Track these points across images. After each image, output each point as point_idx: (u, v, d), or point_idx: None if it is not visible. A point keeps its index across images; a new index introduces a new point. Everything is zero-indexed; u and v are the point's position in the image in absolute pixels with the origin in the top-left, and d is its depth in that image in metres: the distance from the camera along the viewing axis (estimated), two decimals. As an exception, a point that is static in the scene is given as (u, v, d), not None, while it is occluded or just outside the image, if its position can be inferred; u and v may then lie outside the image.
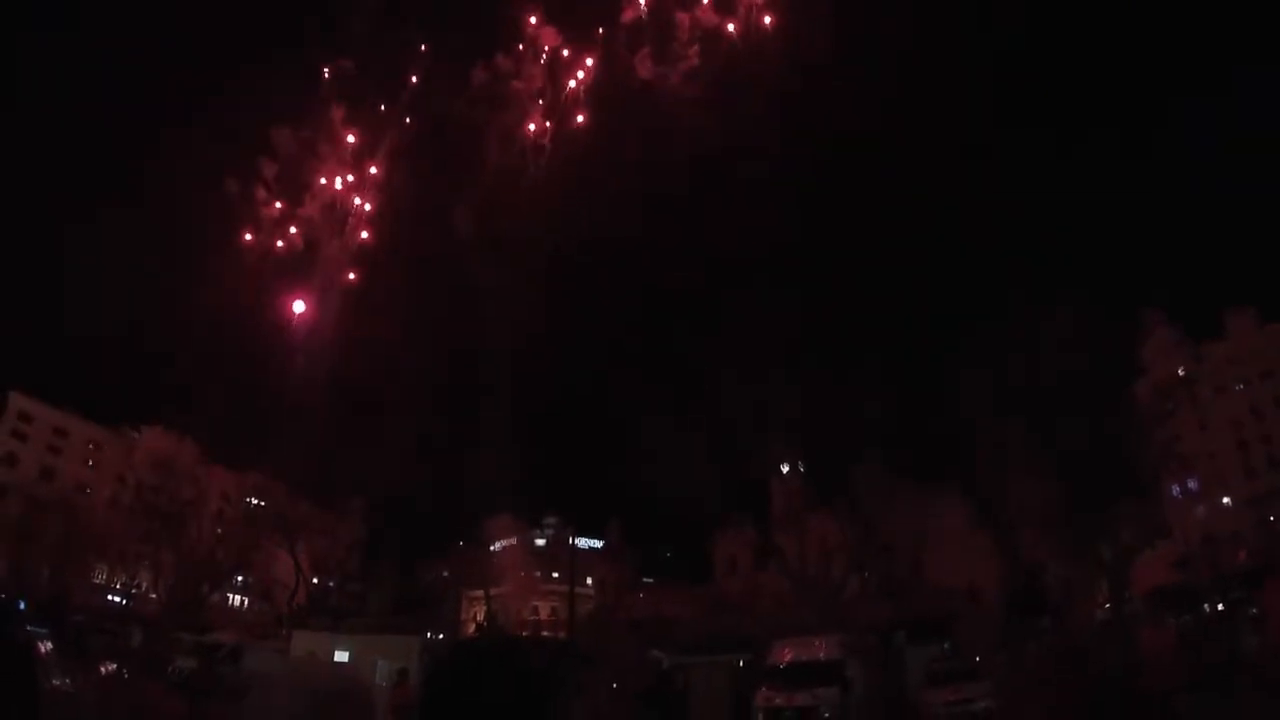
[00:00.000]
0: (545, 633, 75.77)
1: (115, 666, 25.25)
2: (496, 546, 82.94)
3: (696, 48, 55.00)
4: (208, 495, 64.19)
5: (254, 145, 58.52)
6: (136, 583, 67.44)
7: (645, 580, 77.84)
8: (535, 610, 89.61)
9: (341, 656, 31.99)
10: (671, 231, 70.31)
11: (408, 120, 59.24)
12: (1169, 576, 44.32)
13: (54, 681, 12.50)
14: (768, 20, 54.91)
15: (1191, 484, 50.82)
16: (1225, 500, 59.76)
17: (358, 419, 63.35)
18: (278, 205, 58.94)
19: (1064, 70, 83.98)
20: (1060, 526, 39.46)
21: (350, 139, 58.68)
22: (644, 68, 55.15)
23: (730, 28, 54.96)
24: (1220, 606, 36.88)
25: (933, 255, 75.07)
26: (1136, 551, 40.29)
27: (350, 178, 59.80)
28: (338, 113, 58.31)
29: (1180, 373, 50.90)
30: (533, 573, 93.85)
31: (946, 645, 35.05)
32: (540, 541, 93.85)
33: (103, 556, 68.38)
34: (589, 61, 56.85)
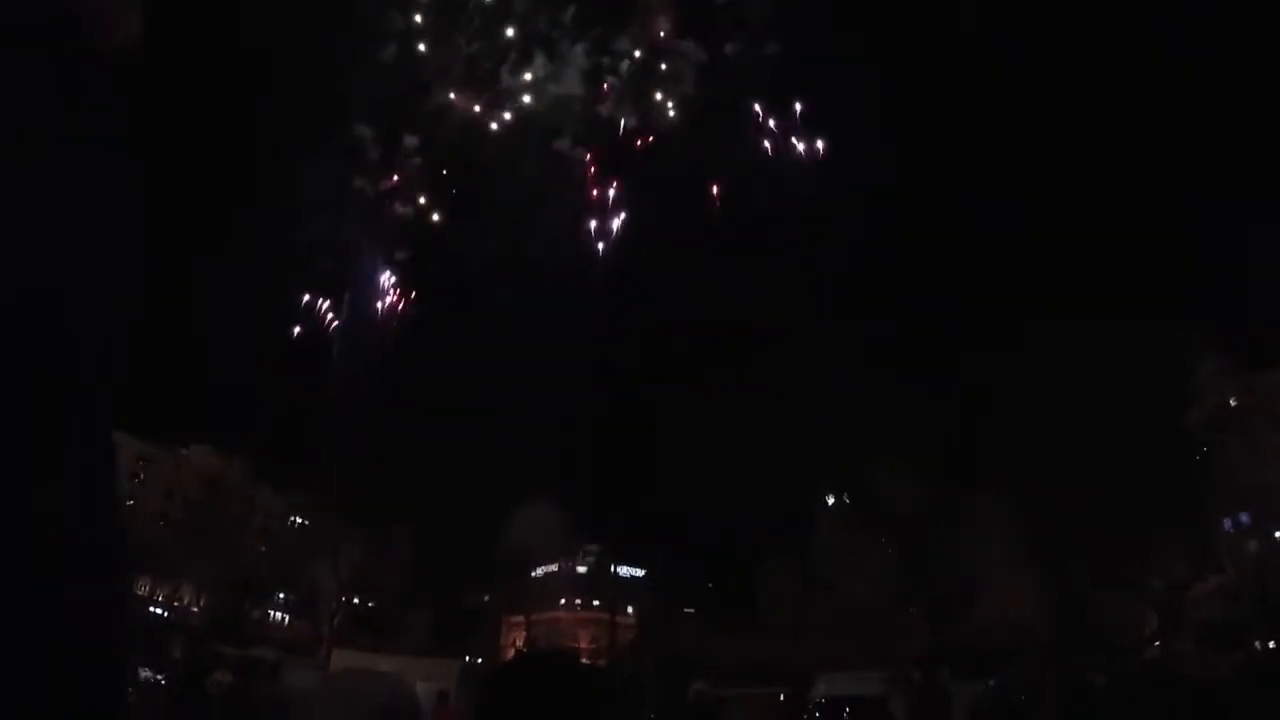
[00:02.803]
0: (585, 660, 75.37)
1: (152, 674, 25.34)
2: (539, 572, 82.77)
3: None
4: (254, 512, 64.70)
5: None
6: (179, 595, 67.95)
7: (687, 610, 77.29)
8: (576, 638, 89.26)
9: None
10: (714, 255, 70.11)
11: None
12: (1220, 611, 43.30)
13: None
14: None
15: (1243, 517, 49.57)
16: (1278, 534, 58.28)
17: (403, 441, 63.65)
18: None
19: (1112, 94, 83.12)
20: (1110, 559, 38.82)
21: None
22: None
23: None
24: (1271, 644, 35.95)
25: (980, 282, 74.30)
26: (1187, 586, 39.55)
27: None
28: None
29: (1232, 403, 49.77)
30: (574, 600, 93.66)
31: (993, 682, 34.34)
32: (582, 569, 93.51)
33: (147, 568, 69.01)
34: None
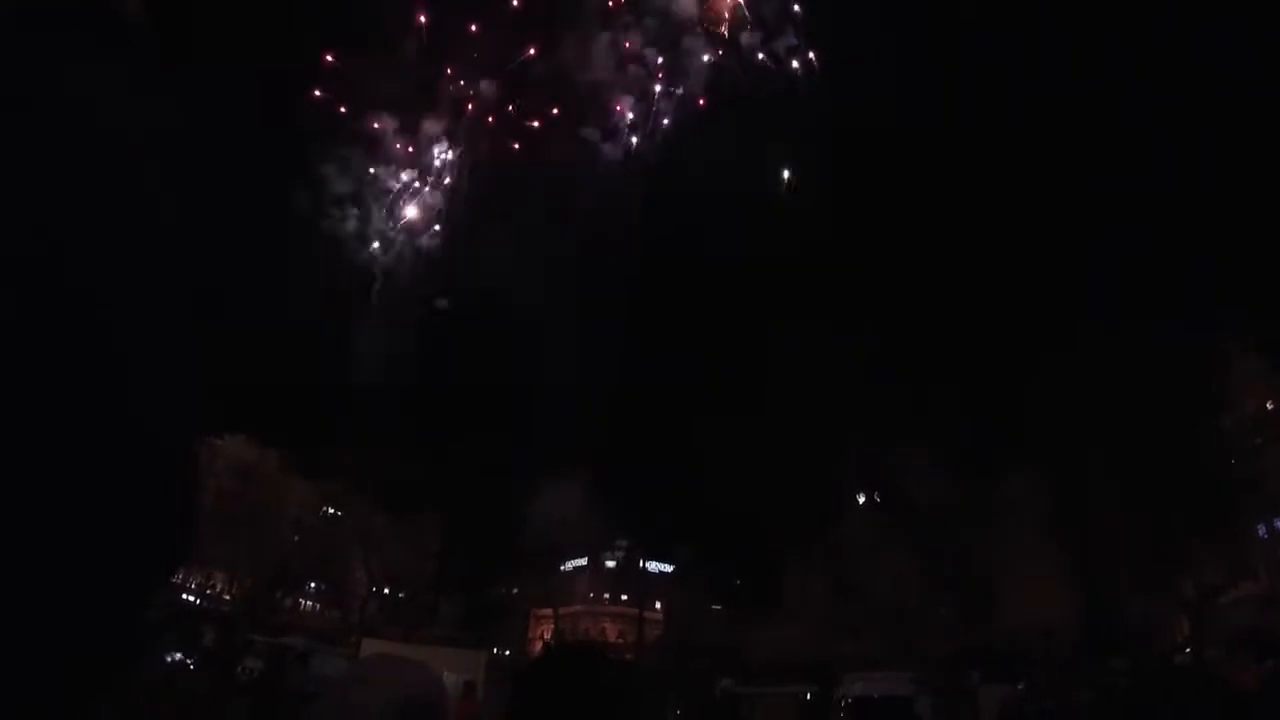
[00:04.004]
0: (612, 655, 75.38)
1: (181, 657, 25.65)
2: (567, 566, 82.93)
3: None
4: (286, 503, 65.17)
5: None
6: (212, 583, 68.49)
7: (714, 607, 77.35)
8: (603, 632, 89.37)
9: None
10: (744, 252, 70.02)
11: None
12: (1252, 619, 42.81)
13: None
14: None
15: (1278, 523, 48.71)
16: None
17: (434, 433, 64.06)
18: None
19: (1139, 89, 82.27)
20: (1141, 563, 38.45)
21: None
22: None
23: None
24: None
25: (1013, 278, 73.74)
26: (1219, 591, 39.11)
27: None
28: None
29: (1268, 406, 49.04)
30: (602, 594, 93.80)
31: (1021, 685, 34.21)
32: (611, 564, 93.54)
33: (180, 556, 69.39)
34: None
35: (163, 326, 0.85)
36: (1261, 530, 47.28)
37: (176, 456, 0.85)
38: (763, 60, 54.46)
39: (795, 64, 54.70)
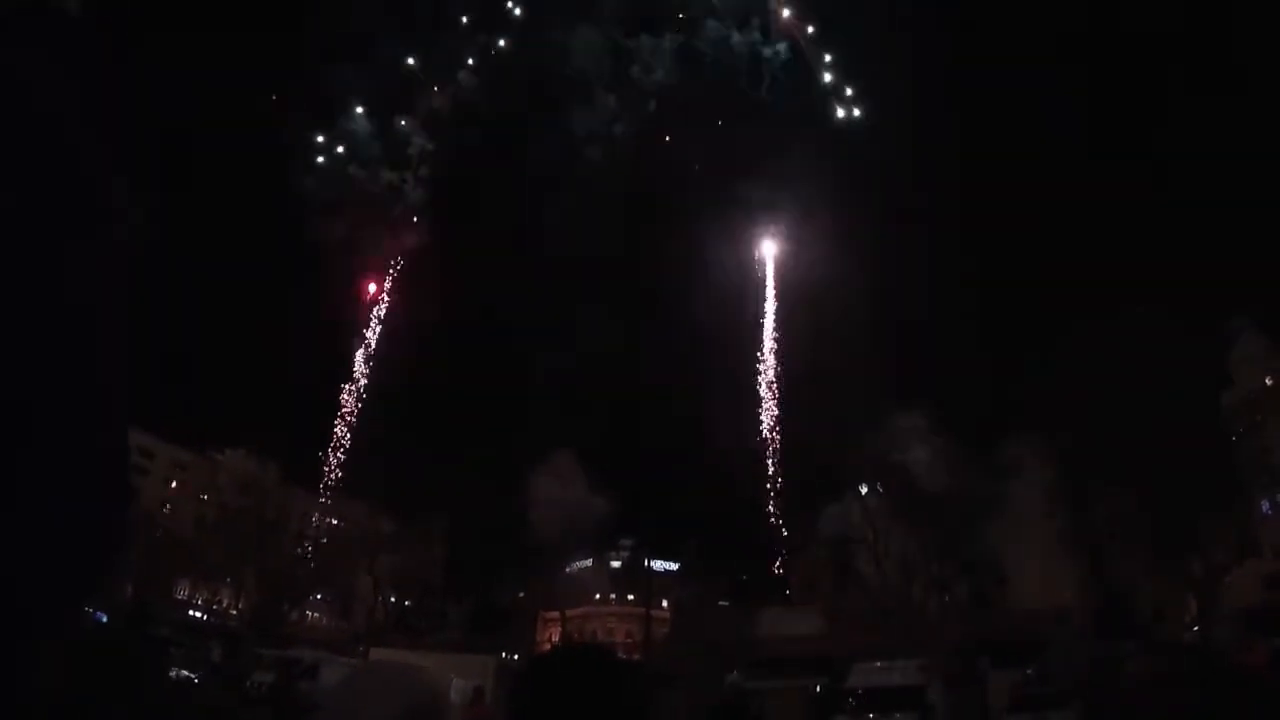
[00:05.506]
0: (620, 654, 75.26)
1: (188, 674, 25.57)
2: (573, 568, 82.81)
3: None
4: (289, 515, 65.09)
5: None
6: (219, 599, 68.47)
7: (721, 603, 77.33)
8: (610, 632, 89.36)
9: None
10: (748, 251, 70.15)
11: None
12: (1259, 595, 42.82)
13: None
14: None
15: (1281, 498, 48.67)
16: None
17: (438, 439, 64.08)
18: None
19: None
20: (1148, 543, 38.49)
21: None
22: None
23: None
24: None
25: (1014, 265, 73.92)
26: (1226, 570, 39.12)
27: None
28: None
29: (1268, 382, 49.05)
30: (608, 594, 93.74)
31: (1030, 670, 34.18)
32: (616, 563, 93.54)
33: (186, 573, 69.47)
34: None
35: (94, 320, 0.82)
36: (1265, 507, 47.31)
37: (108, 464, 0.83)
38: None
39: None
